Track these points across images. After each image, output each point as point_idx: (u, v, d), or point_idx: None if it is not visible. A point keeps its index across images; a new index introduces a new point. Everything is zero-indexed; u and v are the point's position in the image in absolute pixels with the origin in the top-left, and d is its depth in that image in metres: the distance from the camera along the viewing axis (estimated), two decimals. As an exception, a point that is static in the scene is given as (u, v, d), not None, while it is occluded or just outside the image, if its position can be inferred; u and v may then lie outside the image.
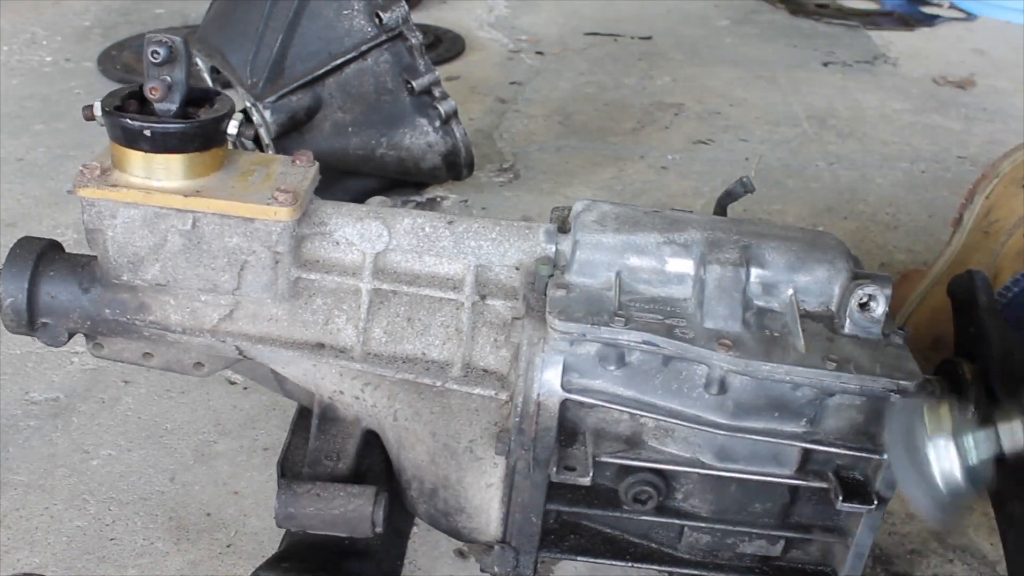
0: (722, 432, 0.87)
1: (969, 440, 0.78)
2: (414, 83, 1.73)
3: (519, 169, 2.05)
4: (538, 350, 0.88)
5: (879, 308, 0.89)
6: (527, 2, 3.10)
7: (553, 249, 0.95)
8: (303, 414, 1.08)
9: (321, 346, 0.97)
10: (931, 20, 3.15)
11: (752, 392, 0.86)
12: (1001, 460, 0.82)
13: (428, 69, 1.76)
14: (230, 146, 0.97)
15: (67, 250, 1.01)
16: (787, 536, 0.96)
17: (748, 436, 0.87)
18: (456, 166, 1.83)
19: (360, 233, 0.97)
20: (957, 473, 0.77)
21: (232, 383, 1.38)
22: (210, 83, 1.85)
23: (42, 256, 0.98)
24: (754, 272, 0.90)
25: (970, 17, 3.20)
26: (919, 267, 1.62)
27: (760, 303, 0.90)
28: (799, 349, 0.86)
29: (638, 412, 0.89)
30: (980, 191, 1.43)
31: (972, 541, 1.19)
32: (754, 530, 0.95)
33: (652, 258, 0.91)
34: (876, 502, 0.89)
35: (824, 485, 0.90)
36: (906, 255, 1.79)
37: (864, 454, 0.88)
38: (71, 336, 1.00)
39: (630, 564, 0.99)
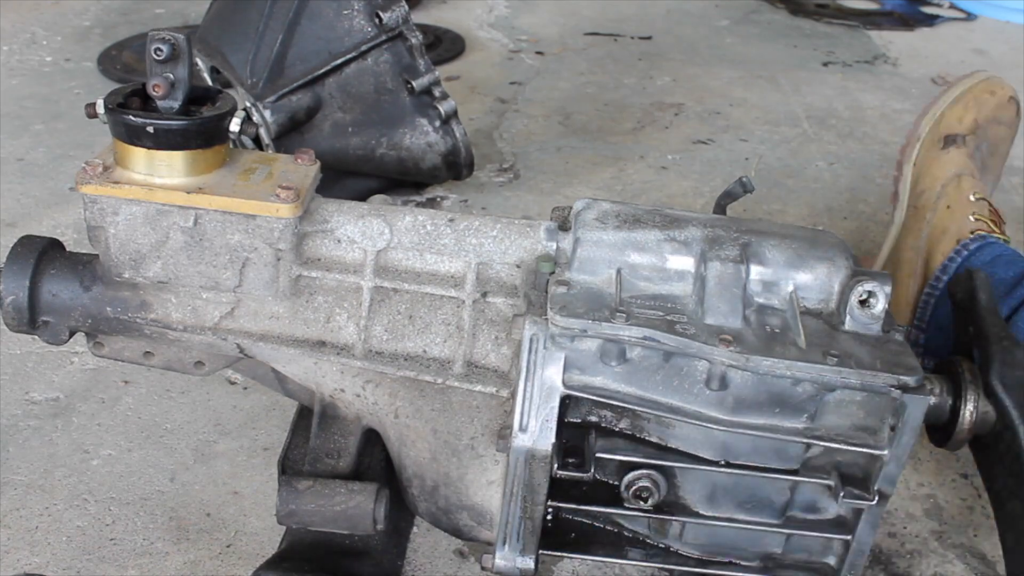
0: (723, 428, 0.87)
1: None
2: (414, 83, 1.73)
3: (519, 169, 2.04)
4: (539, 347, 0.88)
5: (879, 305, 0.89)
6: (527, 2, 3.10)
7: (554, 247, 0.95)
8: (303, 414, 1.08)
9: (322, 344, 0.97)
10: (931, 20, 3.15)
11: (753, 388, 0.86)
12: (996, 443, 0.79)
13: (428, 69, 1.76)
14: (230, 146, 0.97)
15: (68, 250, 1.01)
16: (788, 533, 0.96)
17: (749, 432, 0.87)
18: (456, 166, 1.83)
19: (361, 231, 0.97)
20: None
21: (232, 383, 1.38)
22: (210, 83, 1.85)
23: (43, 254, 0.98)
24: (754, 269, 0.90)
25: (970, 17, 3.20)
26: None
27: (760, 300, 0.90)
28: (800, 345, 0.86)
29: (639, 408, 0.89)
30: (907, 159, 1.33)
31: (972, 541, 1.19)
32: (755, 527, 0.95)
33: (652, 255, 0.91)
34: (876, 498, 0.89)
35: (825, 481, 0.90)
36: (906, 255, 1.78)
37: (865, 450, 0.88)
38: (72, 335, 1.00)
39: (631, 562, 0.99)
